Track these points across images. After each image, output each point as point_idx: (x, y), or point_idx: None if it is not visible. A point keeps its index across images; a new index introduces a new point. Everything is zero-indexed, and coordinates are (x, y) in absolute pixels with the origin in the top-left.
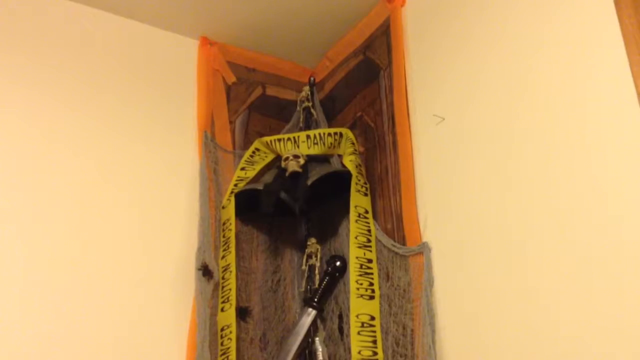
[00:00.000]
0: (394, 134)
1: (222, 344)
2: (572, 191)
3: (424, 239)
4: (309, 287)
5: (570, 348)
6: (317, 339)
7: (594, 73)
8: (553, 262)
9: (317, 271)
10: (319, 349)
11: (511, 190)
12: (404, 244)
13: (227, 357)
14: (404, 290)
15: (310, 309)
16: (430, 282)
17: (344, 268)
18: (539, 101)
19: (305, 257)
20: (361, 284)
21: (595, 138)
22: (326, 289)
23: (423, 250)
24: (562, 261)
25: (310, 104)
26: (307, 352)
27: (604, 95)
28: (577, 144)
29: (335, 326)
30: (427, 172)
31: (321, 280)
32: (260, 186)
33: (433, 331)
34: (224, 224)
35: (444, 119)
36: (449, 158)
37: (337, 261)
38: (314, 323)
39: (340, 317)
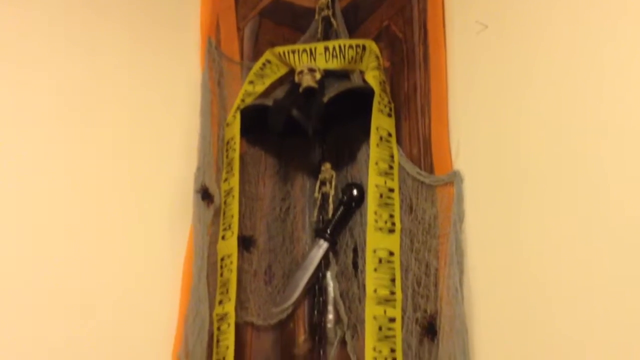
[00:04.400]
0: (425, 46)
1: (221, 275)
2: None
3: (455, 167)
4: (321, 217)
5: (623, 299)
6: (328, 273)
7: None
8: (610, 201)
9: (331, 200)
10: (331, 284)
11: (565, 116)
12: (431, 172)
13: (227, 289)
14: (429, 225)
15: (322, 241)
16: (460, 216)
17: (361, 197)
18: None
19: (318, 183)
20: (380, 216)
21: None
22: (340, 220)
23: (454, 179)
24: (622, 200)
25: (330, 13)
26: (317, 287)
27: None
28: None
29: (349, 261)
30: (462, 90)
31: (335, 210)
32: (269, 102)
33: (461, 272)
34: (227, 143)
35: (487, 26)
36: (490, 74)
37: (353, 189)
38: (325, 256)
39: (355, 251)
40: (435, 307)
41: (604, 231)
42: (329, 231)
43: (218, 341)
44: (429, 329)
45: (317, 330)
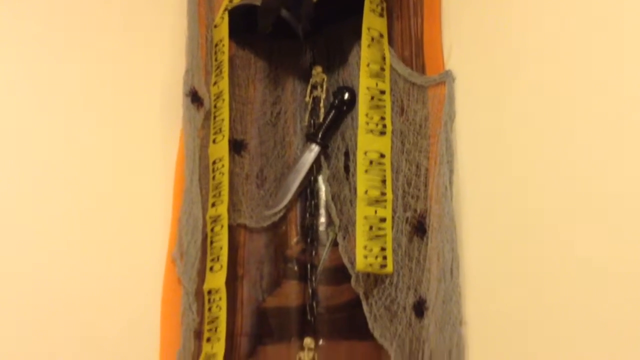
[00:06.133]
0: None
1: (213, 178)
2: None
3: (447, 68)
4: (312, 121)
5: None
6: (320, 177)
7: None
8: (601, 100)
9: (322, 104)
10: (322, 188)
11: (563, 17)
12: (423, 73)
13: (219, 192)
14: (420, 126)
15: (313, 145)
16: (451, 116)
17: (352, 101)
18: None
19: (309, 87)
20: (371, 118)
21: None
22: (332, 124)
23: (445, 79)
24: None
25: None
26: (308, 191)
27: None
28: None
29: (341, 164)
30: None
31: (326, 114)
32: (258, 2)
33: (451, 171)
34: (216, 45)
35: None
36: None
37: (345, 93)
38: (317, 160)
39: (347, 154)
40: (425, 206)
41: (596, 134)
42: (320, 135)
43: (212, 242)
44: (419, 228)
45: (309, 232)
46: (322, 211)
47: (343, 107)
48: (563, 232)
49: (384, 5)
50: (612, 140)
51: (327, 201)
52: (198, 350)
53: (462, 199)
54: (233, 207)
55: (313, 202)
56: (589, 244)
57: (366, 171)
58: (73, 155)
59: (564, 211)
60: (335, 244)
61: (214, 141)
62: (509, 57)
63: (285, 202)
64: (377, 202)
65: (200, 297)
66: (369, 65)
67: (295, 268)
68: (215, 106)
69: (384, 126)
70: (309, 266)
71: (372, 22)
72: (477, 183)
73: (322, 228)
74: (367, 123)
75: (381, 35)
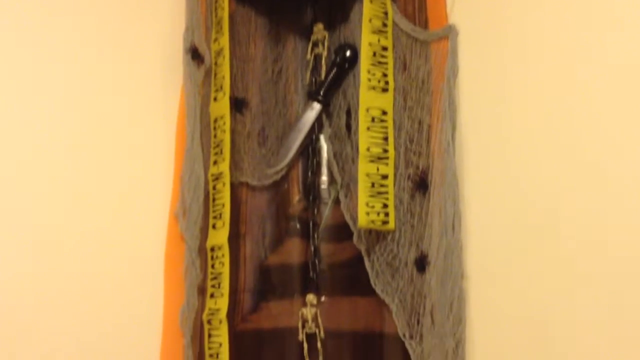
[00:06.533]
0: None
1: (215, 136)
2: None
3: (450, 22)
4: (314, 79)
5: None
6: (322, 136)
7: None
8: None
9: (324, 61)
10: (324, 146)
11: None
12: (426, 28)
13: (221, 150)
14: (423, 82)
15: (315, 103)
16: (454, 70)
17: (354, 58)
18: None
19: (310, 45)
20: (373, 75)
21: None
22: (333, 82)
23: (449, 33)
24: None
25: None
26: (310, 149)
27: None
28: None
29: (343, 123)
30: None
31: (328, 72)
32: None
33: (453, 127)
34: (216, 1)
35: None
36: None
37: (347, 50)
38: (318, 119)
39: (349, 113)
40: (427, 162)
41: (607, 91)
42: (322, 93)
43: (214, 199)
44: (421, 184)
45: (311, 190)
46: (324, 169)
47: (345, 64)
48: (564, 187)
49: None
50: (620, 94)
51: (328, 159)
52: (201, 306)
53: (464, 154)
54: (235, 165)
55: (315, 161)
56: (589, 194)
57: (368, 128)
58: (72, 117)
59: (564, 167)
60: (337, 201)
61: (214, 99)
62: (513, 10)
63: (287, 160)
64: (379, 159)
65: (203, 254)
66: (371, 21)
67: (298, 226)
68: (215, 63)
69: (386, 83)
70: (311, 224)
71: None
72: (479, 139)
73: (324, 186)
74: (369, 80)
75: None
